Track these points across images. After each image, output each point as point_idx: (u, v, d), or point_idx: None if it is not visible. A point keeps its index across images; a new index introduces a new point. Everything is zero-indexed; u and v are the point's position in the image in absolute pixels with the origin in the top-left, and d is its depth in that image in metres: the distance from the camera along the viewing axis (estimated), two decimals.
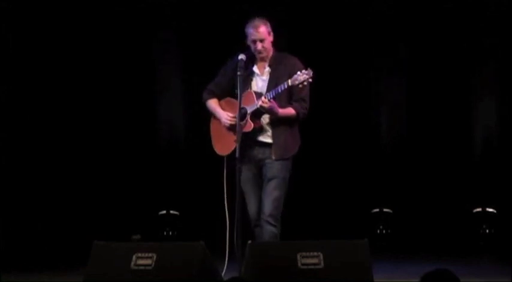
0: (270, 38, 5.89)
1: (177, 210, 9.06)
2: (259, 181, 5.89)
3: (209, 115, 6.08)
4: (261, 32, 5.84)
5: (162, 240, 8.69)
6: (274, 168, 5.82)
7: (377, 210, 8.99)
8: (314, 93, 5.87)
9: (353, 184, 8.85)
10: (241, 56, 5.83)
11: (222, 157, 5.97)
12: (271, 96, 5.68)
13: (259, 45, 5.85)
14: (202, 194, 8.85)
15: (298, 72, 5.61)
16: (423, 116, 8.91)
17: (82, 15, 8.76)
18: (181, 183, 8.99)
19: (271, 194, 5.80)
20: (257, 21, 5.87)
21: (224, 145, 5.90)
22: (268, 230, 5.78)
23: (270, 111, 5.71)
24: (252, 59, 5.92)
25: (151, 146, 9.09)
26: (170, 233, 9.00)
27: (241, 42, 6.04)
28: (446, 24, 8.76)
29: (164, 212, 9.07)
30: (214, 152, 6.03)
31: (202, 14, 8.94)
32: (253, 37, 5.86)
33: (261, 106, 5.67)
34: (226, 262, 5.72)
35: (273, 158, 5.82)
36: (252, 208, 5.88)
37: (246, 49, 5.93)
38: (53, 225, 8.58)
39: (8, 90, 8.47)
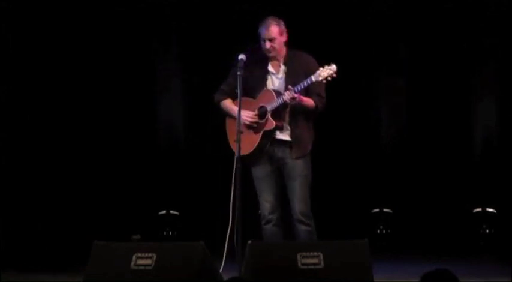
0: (282, 38, 5.90)
1: (177, 210, 9.06)
2: (276, 179, 5.92)
3: (223, 115, 6.07)
4: (271, 31, 5.86)
5: (162, 240, 8.69)
6: (296, 167, 5.86)
7: (377, 210, 8.99)
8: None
9: (353, 184, 8.85)
10: (241, 56, 5.83)
11: (224, 156, 5.98)
12: (296, 91, 5.69)
13: (267, 44, 5.87)
14: (202, 194, 8.85)
15: (321, 68, 5.64)
16: (423, 116, 8.91)
17: (82, 15, 8.75)
18: (181, 183, 8.99)
19: (298, 193, 5.85)
20: (269, 20, 5.90)
21: (243, 144, 5.88)
22: (303, 229, 5.83)
23: (295, 101, 5.72)
24: (265, 58, 5.93)
25: (151, 146, 9.08)
26: (170, 233, 9.00)
27: (241, 42, 6.04)
28: (446, 24, 8.76)
29: (164, 212, 9.07)
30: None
31: (202, 14, 8.93)
32: (262, 36, 5.89)
33: (290, 98, 5.66)
34: (223, 261, 5.71)
35: (294, 156, 5.85)
36: (265, 205, 5.90)
37: (256, 49, 5.93)
38: (53, 225, 8.57)
39: (8, 90, 8.47)
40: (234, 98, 6.01)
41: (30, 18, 8.59)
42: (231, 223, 5.74)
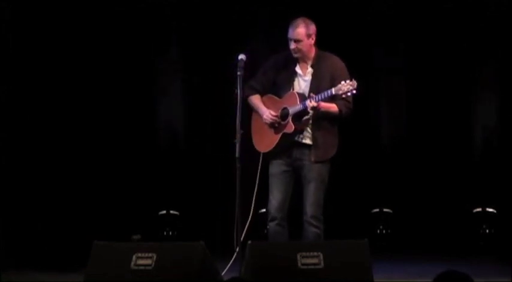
0: (309, 41, 5.91)
1: (177, 210, 9.05)
2: (290, 179, 5.93)
3: (250, 110, 6.09)
4: (297, 33, 5.87)
5: (162, 240, 8.68)
6: (314, 170, 5.87)
7: (377, 210, 8.98)
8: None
9: (353, 184, 8.84)
10: (241, 56, 5.84)
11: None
12: (317, 100, 5.70)
13: (293, 45, 5.88)
14: (202, 194, 8.85)
15: (343, 82, 5.65)
16: (423, 116, 8.90)
17: (82, 15, 8.75)
18: (181, 183, 8.99)
19: (312, 196, 5.87)
20: (298, 21, 5.93)
21: (263, 142, 5.94)
22: (312, 231, 5.84)
23: (315, 110, 5.73)
24: (294, 59, 5.94)
25: (151, 146, 9.08)
26: (170, 233, 9.00)
27: (241, 42, 6.04)
28: (446, 24, 8.76)
29: (164, 212, 9.06)
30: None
31: (202, 14, 8.93)
32: (289, 35, 5.91)
33: (312, 107, 5.68)
34: (232, 260, 5.69)
35: (312, 159, 5.85)
36: (273, 203, 5.90)
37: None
38: (53, 225, 8.57)
39: (8, 90, 8.46)
40: (262, 94, 6.05)
41: (30, 18, 8.59)
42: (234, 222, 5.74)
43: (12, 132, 8.48)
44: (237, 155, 5.64)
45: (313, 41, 5.93)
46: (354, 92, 5.65)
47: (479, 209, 8.77)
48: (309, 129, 5.88)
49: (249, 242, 5.03)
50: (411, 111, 8.99)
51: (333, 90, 5.66)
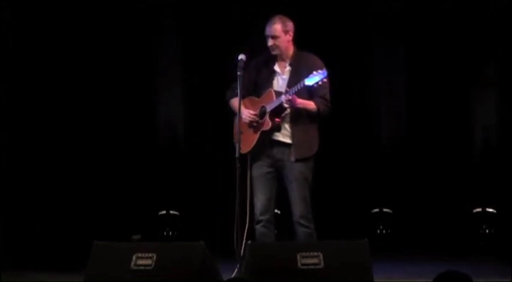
0: (287, 37, 5.91)
1: (177, 210, 9.06)
2: (273, 181, 5.91)
3: (232, 113, 6.07)
4: (274, 29, 5.88)
5: (162, 240, 8.69)
6: (295, 170, 5.84)
7: (377, 210, 8.98)
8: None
9: (353, 184, 8.85)
10: (241, 56, 5.84)
11: (225, 156, 5.98)
12: (291, 94, 5.69)
13: (270, 41, 5.88)
14: (202, 194, 8.85)
15: (314, 72, 5.63)
16: (423, 116, 8.90)
17: (82, 15, 8.75)
18: (181, 183, 8.99)
19: (297, 196, 5.84)
20: (274, 18, 5.93)
21: (244, 143, 5.90)
22: (303, 231, 5.82)
23: (291, 104, 5.71)
24: (273, 58, 5.93)
25: (151, 146, 9.08)
26: (170, 233, 9.00)
27: (241, 42, 6.04)
28: (446, 24, 8.76)
29: (164, 212, 9.07)
30: (231, 150, 6.04)
31: (203, 14, 8.93)
32: (266, 32, 5.92)
33: (286, 100, 5.66)
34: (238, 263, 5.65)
35: (293, 159, 5.83)
36: (257, 206, 5.88)
37: (246, 48, 5.94)
38: (53, 225, 8.57)
39: (8, 90, 8.46)
40: (244, 96, 6.01)
41: (30, 18, 8.59)
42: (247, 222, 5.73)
43: (12, 132, 8.48)
44: (237, 155, 5.64)
45: (290, 38, 5.92)
46: (325, 80, 5.62)
47: (479, 209, 8.77)
48: (288, 128, 5.86)
49: (249, 242, 5.02)
50: (411, 111, 8.99)
51: (305, 81, 5.63)
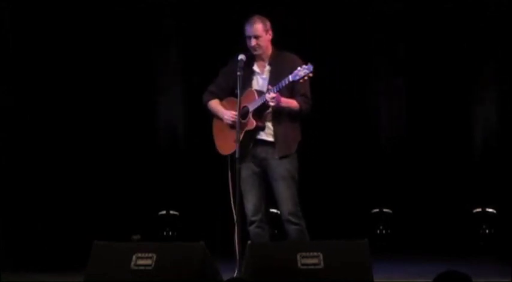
0: (268, 37, 5.89)
1: (177, 210, 9.06)
2: (260, 181, 5.88)
3: (211, 116, 6.07)
4: (256, 29, 5.84)
5: (162, 240, 8.69)
6: (280, 167, 5.81)
7: (377, 210, 8.99)
8: (314, 93, 5.87)
9: (353, 184, 8.85)
10: (241, 56, 5.83)
11: (223, 157, 5.96)
12: (275, 91, 5.68)
13: (253, 42, 5.84)
14: (202, 194, 8.85)
15: (299, 68, 5.62)
16: (423, 116, 8.91)
17: (82, 15, 8.75)
18: (181, 183, 8.99)
19: (284, 193, 5.81)
20: (254, 18, 5.89)
21: (226, 144, 5.90)
22: (293, 228, 5.78)
23: (276, 102, 5.69)
24: (252, 58, 5.92)
25: (151, 146, 9.09)
26: (170, 233, 9.00)
27: (241, 43, 6.04)
28: (446, 24, 8.76)
29: (164, 212, 9.07)
30: (215, 152, 6.02)
31: (203, 14, 8.94)
32: (247, 33, 5.87)
33: (270, 98, 5.64)
34: (237, 263, 5.64)
35: (277, 156, 5.82)
36: (248, 207, 5.85)
37: (246, 49, 5.93)
38: (53, 225, 8.57)
39: (8, 90, 8.47)
40: (222, 98, 6.01)
41: (30, 18, 8.59)
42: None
43: (13, 133, 8.48)
44: (237, 155, 5.63)
45: (270, 37, 5.90)
46: (311, 75, 5.61)
47: (479, 209, 8.78)
48: (270, 126, 5.83)
49: (249, 242, 5.02)
50: (411, 111, 8.99)
51: (290, 77, 5.61)
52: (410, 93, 8.98)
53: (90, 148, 8.87)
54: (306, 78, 5.61)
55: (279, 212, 5.96)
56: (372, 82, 9.07)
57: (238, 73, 5.73)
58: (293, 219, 5.78)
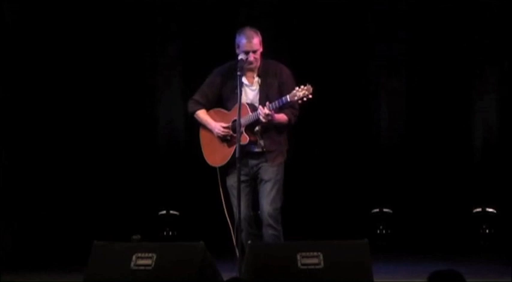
0: (261, 49, 5.86)
1: (177, 210, 9.06)
2: (249, 187, 5.88)
3: (197, 125, 6.05)
4: (254, 43, 5.81)
5: (162, 240, 8.69)
6: (270, 171, 5.82)
7: (377, 210, 8.99)
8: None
9: (353, 184, 8.85)
10: (242, 56, 5.81)
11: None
12: (271, 108, 5.66)
13: (251, 57, 5.80)
14: (202, 194, 8.83)
15: (297, 88, 5.60)
16: (423, 116, 8.91)
17: (82, 15, 8.75)
18: (181, 184, 8.99)
19: (269, 195, 5.80)
20: (251, 32, 5.84)
21: (216, 157, 5.89)
22: (270, 234, 5.78)
23: (269, 120, 5.69)
24: (235, 69, 5.82)
25: (151, 146, 9.08)
26: (170, 233, 9.00)
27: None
28: (446, 24, 8.76)
29: (164, 212, 9.07)
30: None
31: (203, 14, 8.94)
32: (245, 48, 5.81)
33: (265, 115, 5.62)
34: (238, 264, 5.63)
35: (268, 163, 5.83)
36: (236, 215, 5.81)
37: (228, 61, 5.91)
38: (53, 225, 8.57)
39: (8, 90, 8.46)
40: (208, 108, 5.98)
41: (31, 16, 8.59)
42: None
43: (13, 133, 8.48)
44: (237, 155, 5.62)
45: (262, 49, 5.88)
46: (310, 97, 5.59)
47: (479, 209, 8.78)
48: (261, 139, 5.82)
49: (249, 242, 5.02)
50: (411, 111, 8.99)
51: (288, 97, 5.61)
52: (410, 93, 8.98)
53: (90, 148, 8.87)
54: (304, 99, 5.60)
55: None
56: (372, 82, 9.07)
57: (239, 73, 5.72)
58: (273, 223, 5.77)
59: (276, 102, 5.67)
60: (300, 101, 5.63)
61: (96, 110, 8.90)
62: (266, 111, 5.62)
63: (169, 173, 9.02)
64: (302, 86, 5.61)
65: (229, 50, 6.11)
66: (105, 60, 8.88)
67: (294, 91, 5.61)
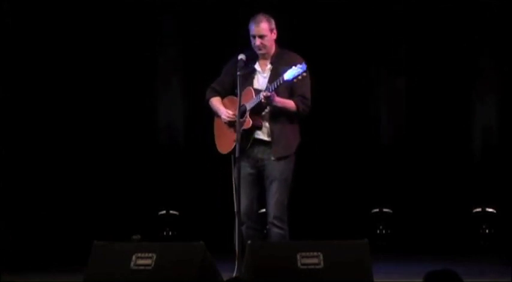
0: (273, 36, 5.85)
1: (177, 210, 9.06)
2: (254, 182, 5.85)
3: (212, 114, 6.06)
4: (262, 28, 5.80)
5: (162, 240, 8.69)
6: (276, 169, 5.78)
7: (377, 210, 8.99)
8: (314, 93, 5.86)
9: (353, 184, 8.85)
10: (241, 56, 5.81)
11: (223, 157, 5.95)
12: (271, 90, 5.66)
13: (258, 41, 5.81)
14: (202, 194, 8.85)
15: (293, 67, 5.59)
16: (423, 116, 8.91)
17: (82, 14, 8.76)
18: (181, 183, 8.99)
19: (274, 196, 5.78)
20: (260, 17, 5.84)
21: (225, 143, 5.89)
22: (275, 232, 5.77)
23: (269, 100, 5.66)
24: (254, 57, 5.88)
25: (151, 146, 9.09)
26: (170, 233, 9.00)
27: (242, 42, 6.03)
28: (447, 24, 8.76)
29: (164, 212, 9.07)
30: (215, 152, 6.01)
31: (204, 14, 8.94)
32: (253, 32, 5.82)
33: (265, 97, 5.60)
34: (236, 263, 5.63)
35: (273, 158, 5.80)
36: (241, 208, 5.81)
37: (247, 48, 5.91)
38: (53, 225, 8.57)
39: (8, 90, 8.46)
40: (224, 96, 5.99)
41: (30, 16, 8.59)
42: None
43: (13, 132, 8.48)
44: (237, 154, 5.61)
45: (275, 36, 5.86)
46: (304, 74, 5.58)
47: (479, 209, 8.78)
48: (267, 125, 5.79)
49: (249, 242, 5.02)
50: (411, 111, 8.99)
51: (284, 76, 5.59)
52: (411, 93, 8.98)
53: (89, 147, 8.87)
54: (300, 77, 5.58)
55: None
56: (372, 82, 9.07)
57: (238, 73, 5.71)
58: (278, 224, 5.77)
59: (274, 83, 5.66)
60: (295, 80, 5.58)
61: (96, 110, 8.90)
62: (266, 93, 5.61)
63: (169, 173, 9.02)
64: (298, 65, 5.60)
65: (230, 50, 6.11)
66: (105, 60, 8.89)
67: (290, 69, 5.58)
